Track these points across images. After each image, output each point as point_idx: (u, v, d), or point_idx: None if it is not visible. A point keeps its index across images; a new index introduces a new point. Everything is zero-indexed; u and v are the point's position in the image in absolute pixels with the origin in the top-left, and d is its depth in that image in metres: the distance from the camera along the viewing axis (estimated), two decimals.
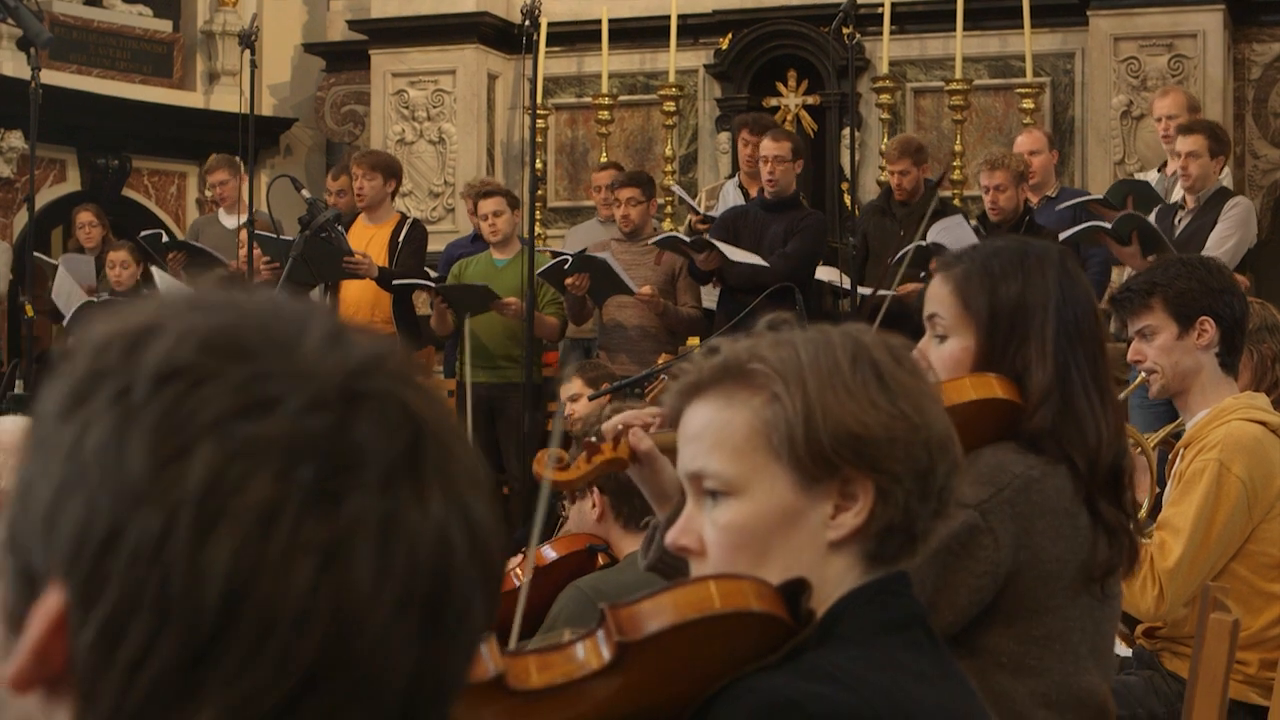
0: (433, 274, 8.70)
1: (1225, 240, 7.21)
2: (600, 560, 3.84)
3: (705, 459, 1.77)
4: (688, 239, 8.19)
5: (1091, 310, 2.69)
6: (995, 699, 2.42)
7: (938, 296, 2.71)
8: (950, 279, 2.69)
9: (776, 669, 1.65)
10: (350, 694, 0.83)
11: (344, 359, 0.87)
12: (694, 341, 8.45)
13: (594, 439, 2.65)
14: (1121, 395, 4.65)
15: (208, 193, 10.20)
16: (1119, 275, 8.07)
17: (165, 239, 9.61)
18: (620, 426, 2.59)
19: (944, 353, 2.65)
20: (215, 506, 0.81)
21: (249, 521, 0.81)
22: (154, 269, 9.02)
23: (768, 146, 8.16)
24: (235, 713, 0.81)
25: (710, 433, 1.77)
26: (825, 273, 8.35)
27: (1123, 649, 4.18)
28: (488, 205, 8.51)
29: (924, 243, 7.18)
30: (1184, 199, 7.51)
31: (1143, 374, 4.00)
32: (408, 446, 0.86)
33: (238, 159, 9.67)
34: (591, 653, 1.64)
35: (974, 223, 8.17)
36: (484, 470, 0.92)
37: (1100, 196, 7.97)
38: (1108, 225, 7.20)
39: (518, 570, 3.84)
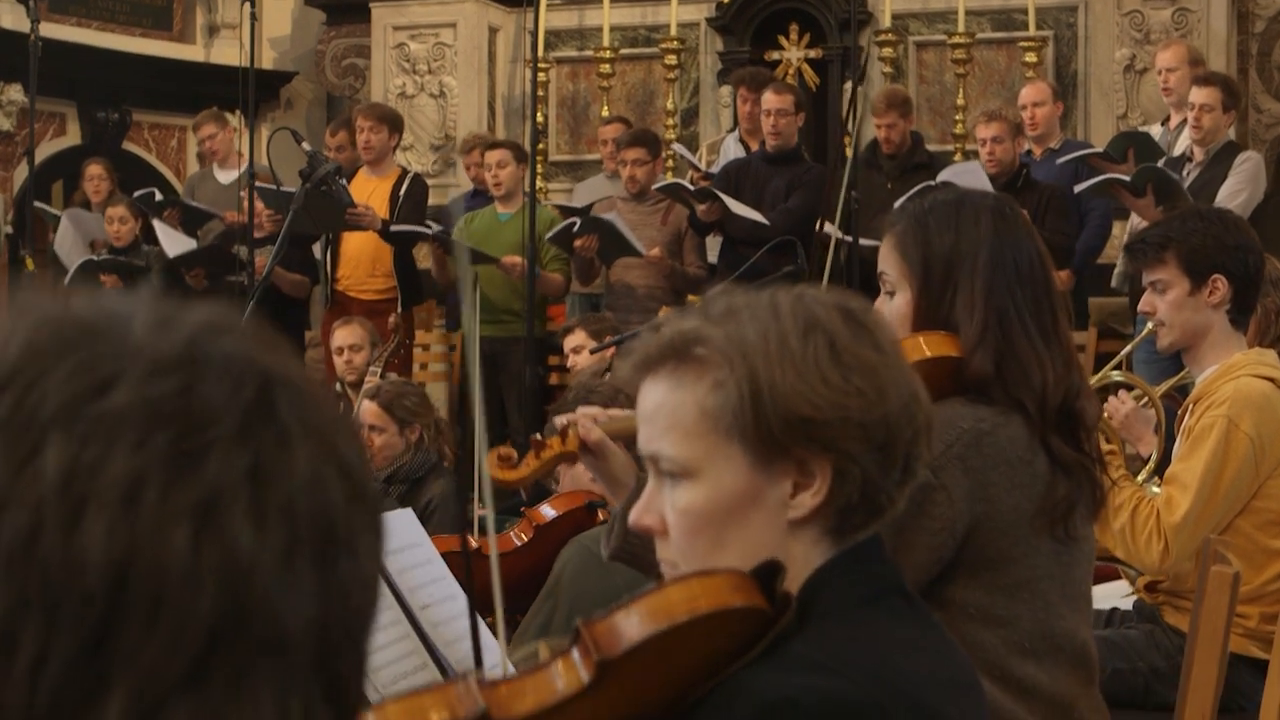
0: (435, 225, 8.69)
1: (1236, 195, 7.20)
2: (600, 516, 3.85)
3: (659, 442, 1.73)
4: (692, 188, 8.17)
5: (1035, 254, 2.70)
6: (970, 649, 2.42)
7: (883, 253, 2.76)
8: (892, 235, 2.73)
9: (762, 663, 1.61)
10: (256, 649, 0.82)
11: (175, 334, 0.86)
12: (694, 298, 8.44)
13: (539, 437, 2.68)
14: (1128, 347, 4.67)
15: (199, 148, 10.17)
16: (1121, 230, 8.07)
17: (159, 198, 9.59)
18: (567, 420, 2.64)
19: (892, 309, 2.69)
20: (78, 493, 0.80)
21: (114, 500, 0.80)
22: (155, 222, 9.01)
23: (770, 100, 8.14)
24: (145, 690, 0.80)
25: (662, 416, 1.73)
26: (832, 229, 8.35)
27: (1124, 600, 4.19)
28: (494, 156, 8.48)
29: (931, 183, 7.19)
30: (1191, 151, 7.49)
31: (1150, 325, 3.99)
32: (259, 395, 0.85)
33: (225, 113, 9.63)
34: (570, 674, 1.60)
35: None
36: (344, 415, 0.91)
37: (1101, 150, 7.95)
38: (1125, 178, 7.19)
39: (520, 533, 3.86)
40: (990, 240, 2.67)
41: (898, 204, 7.20)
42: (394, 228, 8.39)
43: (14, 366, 0.84)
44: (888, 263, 2.74)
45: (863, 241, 7.82)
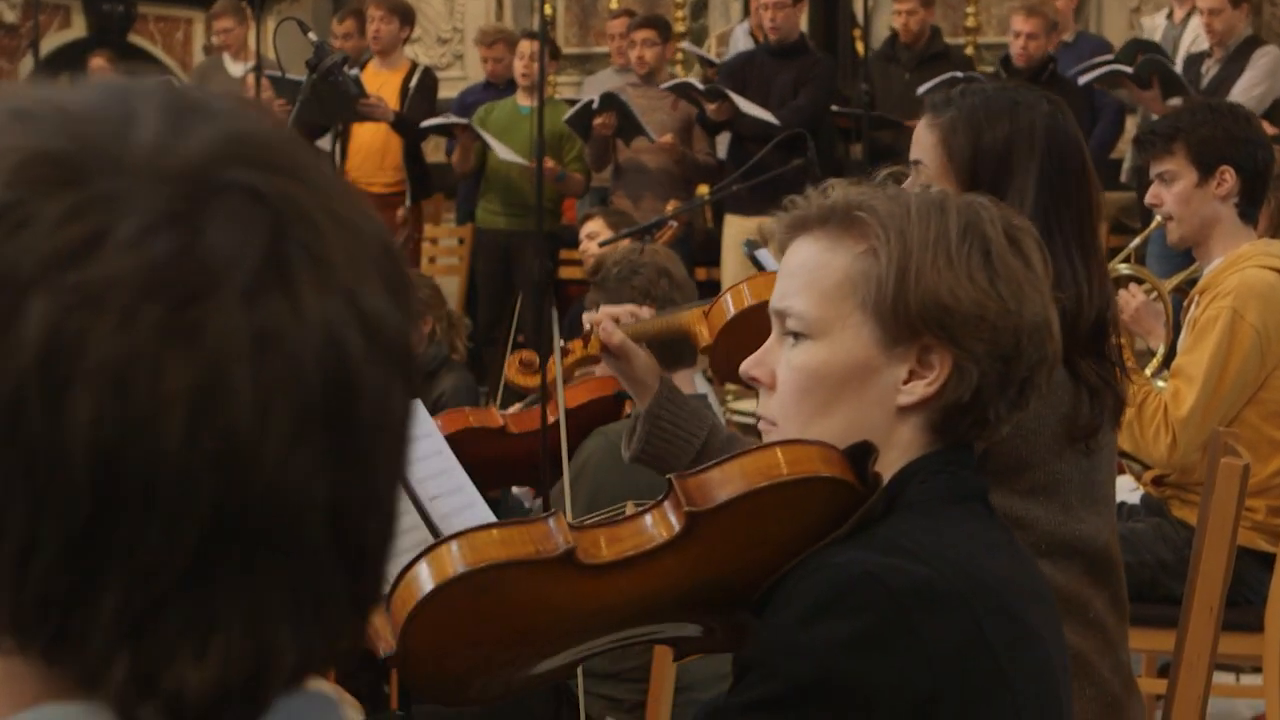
0: (454, 118, 8.64)
1: (1252, 88, 7.16)
2: (627, 408, 3.85)
3: (794, 297, 1.76)
4: (701, 86, 8.11)
5: (1081, 167, 2.64)
6: None
7: (924, 143, 2.67)
8: (937, 127, 2.65)
9: (849, 542, 1.63)
10: (263, 538, 0.75)
11: (184, 150, 0.76)
12: (703, 189, 8.41)
13: (564, 343, 2.68)
14: (1136, 240, 4.66)
15: (214, 39, 10.08)
16: (1133, 126, 8.03)
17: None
18: (590, 324, 2.63)
19: None
20: (61, 372, 0.72)
21: (101, 382, 0.72)
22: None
23: None
24: (141, 586, 0.74)
25: (805, 272, 1.76)
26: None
27: (1131, 494, 4.21)
28: (526, 47, 8.37)
29: (959, 74, 7.17)
30: (1211, 48, 7.45)
31: (1159, 218, 3.98)
32: (268, 245, 0.75)
33: (244, 5, 9.56)
34: (660, 523, 1.63)
35: (992, 68, 8.12)
36: (377, 247, 0.80)
37: (1111, 59, 7.88)
38: (1129, 70, 7.17)
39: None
40: (1041, 146, 2.60)
41: (922, 90, 7.21)
42: (424, 124, 8.36)
43: (4, 200, 0.74)
44: (927, 153, 2.66)
45: (878, 135, 7.81)
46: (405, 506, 2.66)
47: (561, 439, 2.49)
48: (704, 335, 2.65)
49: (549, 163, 8.04)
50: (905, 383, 1.72)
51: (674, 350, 3.04)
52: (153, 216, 0.74)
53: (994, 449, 2.55)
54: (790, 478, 1.62)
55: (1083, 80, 7.56)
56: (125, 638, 0.75)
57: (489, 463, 2.96)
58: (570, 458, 3.19)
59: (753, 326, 2.32)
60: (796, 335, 1.76)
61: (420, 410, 2.92)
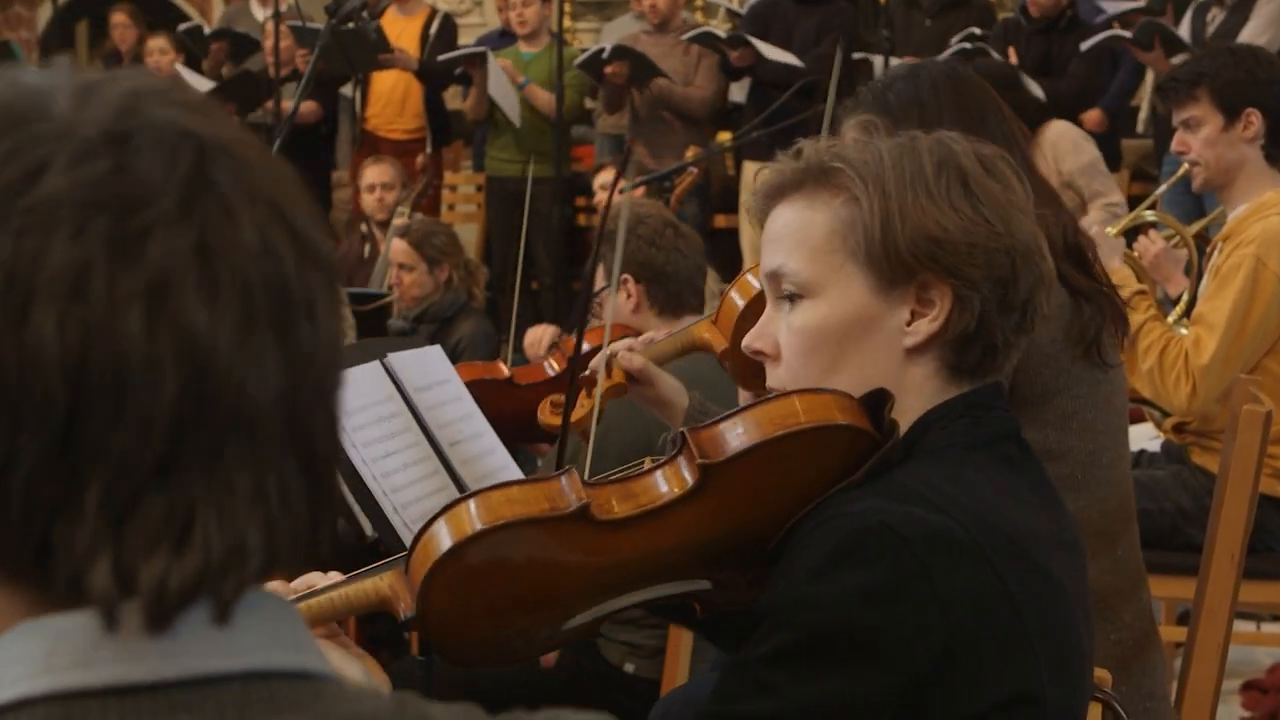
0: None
1: (1258, 37, 7.11)
2: None
3: (784, 258, 1.75)
4: (723, 35, 8.08)
5: (991, 101, 2.77)
6: None
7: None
8: (859, 128, 2.71)
9: (864, 488, 1.62)
10: (225, 428, 0.82)
11: (101, 106, 0.83)
12: (724, 136, 8.38)
13: (587, 374, 2.68)
14: (1163, 187, 4.63)
15: None
16: (1152, 73, 7.99)
17: (207, 31, 9.53)
18: (607, 358, 2.64)
19: None
20: (23, 287, 0.79)
21: (60, 291, 0.79)
22: (179, 67, 8.94)
23: None
24: (119, 482, 0.80)
25: (790, 233, 1.75)
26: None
27: (1151, 442, 4.20)
28: None
29: (978, 31, 7.12)
30: None
31: (1185, 165, 3.96)
32: (196, 166, 0.83)
33: None
34: (674, 478, 1.62)
35: (1012, 14, 8.07)
36: (295, 179, 0.88)
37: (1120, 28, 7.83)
38: (1128, 35, 7.19)
39: (553, 363, 3.87)
40: (950, 96, 2.72)
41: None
42: (442, 57, 8.34)
43: None
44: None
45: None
46: (426, 451, 2.67)
47: (594, 411, 2.48)
48: (719, 341, 2.66)
49: (519, 75, 8.06)
50: (909, 324, 1.71)
51: None
52: (84, 149, 0.81)
53: (1019, 379, 2.58)
54: (805, 426, 1.61)
55: (1084, 46, 7.52)
56: (108, 534, 0.80)
57: (499, 419, 2.95)
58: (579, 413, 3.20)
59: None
60: (792, 297, 1.75)
61: (439, 355, 2.92)
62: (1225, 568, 2.83)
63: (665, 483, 1.62)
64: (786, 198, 1.77)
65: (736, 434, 1.61)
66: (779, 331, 1.77)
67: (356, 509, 2.62)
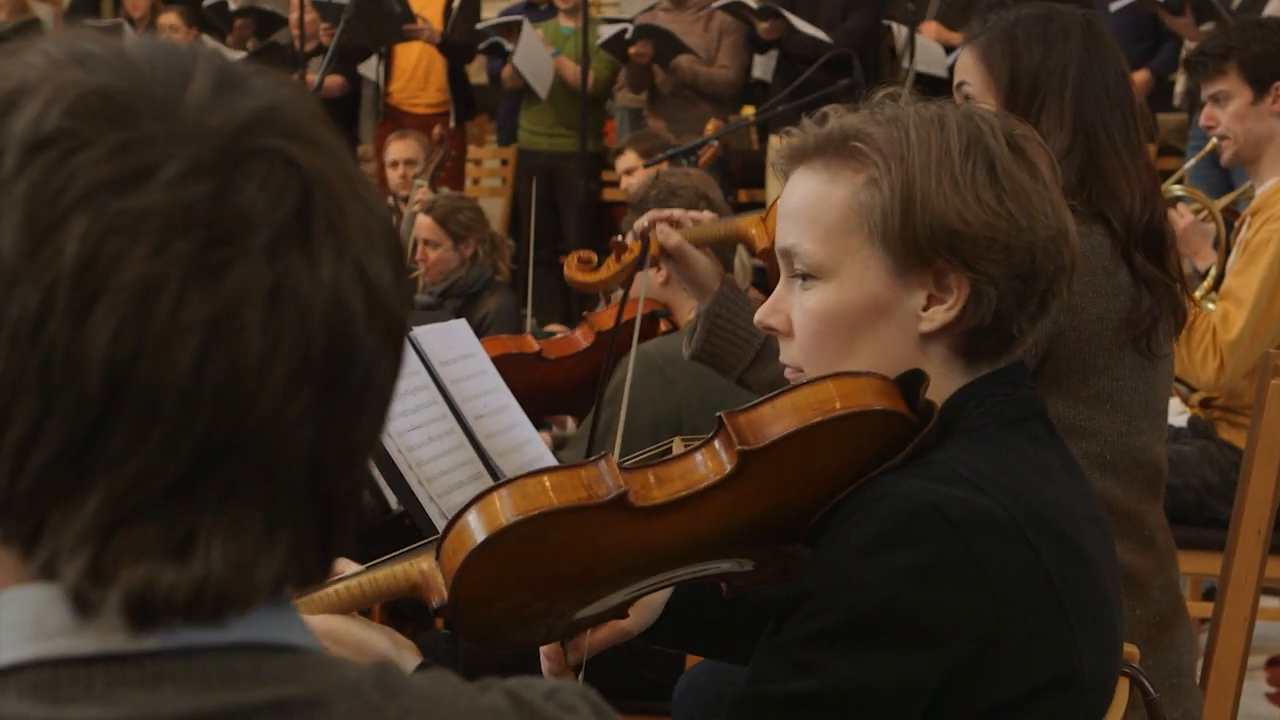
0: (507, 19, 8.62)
1: None
2: (662, 326, 3.86)
3: (799, 236, 1.72)
4: (754, 5, 8.06)
5: (1121, 73, 2.72)
6: None
7: (965, 66, 2.77)
8: (976, 48, 2.74)
9: (905, 471, 1.61)
10: (246, 470, 0.82)
11: (230, 113, 0.83)
12: (748, 110, 8.36)
13: (621, 239, 2.67)
14: (1190, 162, 4.62)
15: None
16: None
17: (232, 7, 9.53)
18: (647, 224, 2.62)
19: None
20: (92, 285, 0.78)
21: (127, 300, 0.78)
22: (203, 37, 8.95)
23: None
24: (123, 496, 0.80)
25: (806, 209, 1.72)
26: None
27: (1178, 417, 4.19)
28: None
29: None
30: None
31: (1213, 140, 3.94)
32: (296, 208, 0.82)
33: None
34: (712, 462, 1.60)
35: None
36: (384, 225, 0.87)
37: None
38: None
39: (582, 336, 3.87)
40: (1079, 57, 2.68)
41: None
42: (480, 24, 8.32)
43: (55, 129, 0.80)
44: (970, 74, 2.74)
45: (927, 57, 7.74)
46: (451, 425, 2.67)
47: (630, 371, 2.47)
48: (761, 238, 2.64)
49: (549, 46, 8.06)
50: (924, 309, 1.69)
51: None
52: (195, 163, 0.81)
53: (1057, 351, 2.57)
54: (843, 412, 1.59)
55: (1114, 7, 7.47)
56: (96, 537, 0.81)
57: (528, 392, 2.95)
58: (609, 380, 3.19)
59: None
60: (805, 277, 1.72)
61: (464, 328, 2.92)
62: (1252, 543, 2.82)
63: (703, 467, 1.61)
64: (807, 163, 1.73)
65: (775, 419, 1.60)
66: (791, 309, 1.75)
67: (382, 482, 2.62)
